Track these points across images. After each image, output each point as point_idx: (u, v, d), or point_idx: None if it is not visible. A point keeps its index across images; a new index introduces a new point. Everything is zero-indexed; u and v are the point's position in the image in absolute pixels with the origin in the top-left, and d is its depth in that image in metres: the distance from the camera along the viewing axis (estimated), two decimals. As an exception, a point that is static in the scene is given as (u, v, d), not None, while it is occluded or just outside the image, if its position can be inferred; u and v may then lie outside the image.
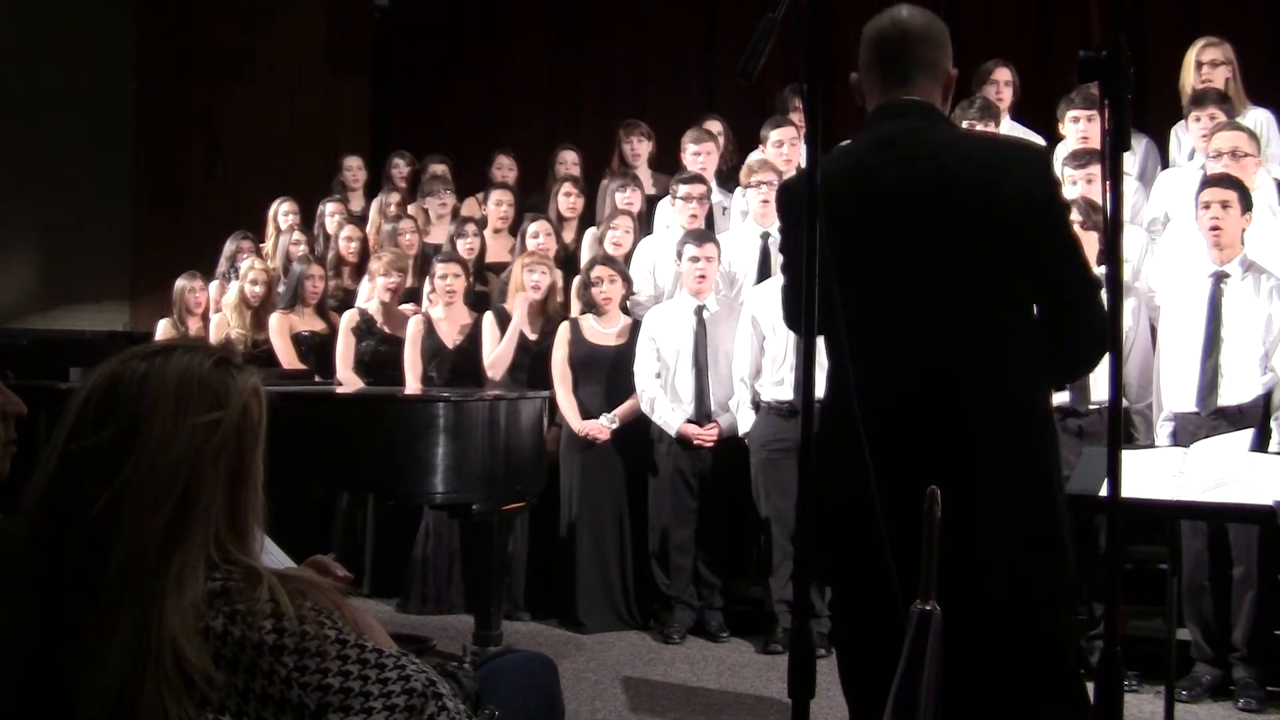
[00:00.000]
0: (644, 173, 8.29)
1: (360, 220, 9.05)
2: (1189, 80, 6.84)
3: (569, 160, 8.75)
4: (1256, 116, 6.77)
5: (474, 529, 5.69)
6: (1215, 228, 5.63)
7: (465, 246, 7.90)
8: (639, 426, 6.85)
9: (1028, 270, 2.78)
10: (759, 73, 2.39)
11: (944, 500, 2.28)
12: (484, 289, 7.89)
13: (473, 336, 7.32)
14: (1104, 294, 2.71)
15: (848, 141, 2.97)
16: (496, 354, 7.09)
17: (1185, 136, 6.80)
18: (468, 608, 6.77)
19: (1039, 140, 6.72)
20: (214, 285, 8.72)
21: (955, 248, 2.77)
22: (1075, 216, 5.57)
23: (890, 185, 2.81)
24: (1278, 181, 6.48)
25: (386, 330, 7.62)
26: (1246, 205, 5.64)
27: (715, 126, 8.18)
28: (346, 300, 8.22)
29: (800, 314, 2.94)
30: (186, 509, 1.89)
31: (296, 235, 8.90)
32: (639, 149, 8.36)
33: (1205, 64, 6.81)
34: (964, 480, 2.65)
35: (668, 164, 8.16)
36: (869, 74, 2.95)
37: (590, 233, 7.84)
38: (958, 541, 2.42)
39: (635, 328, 6.95)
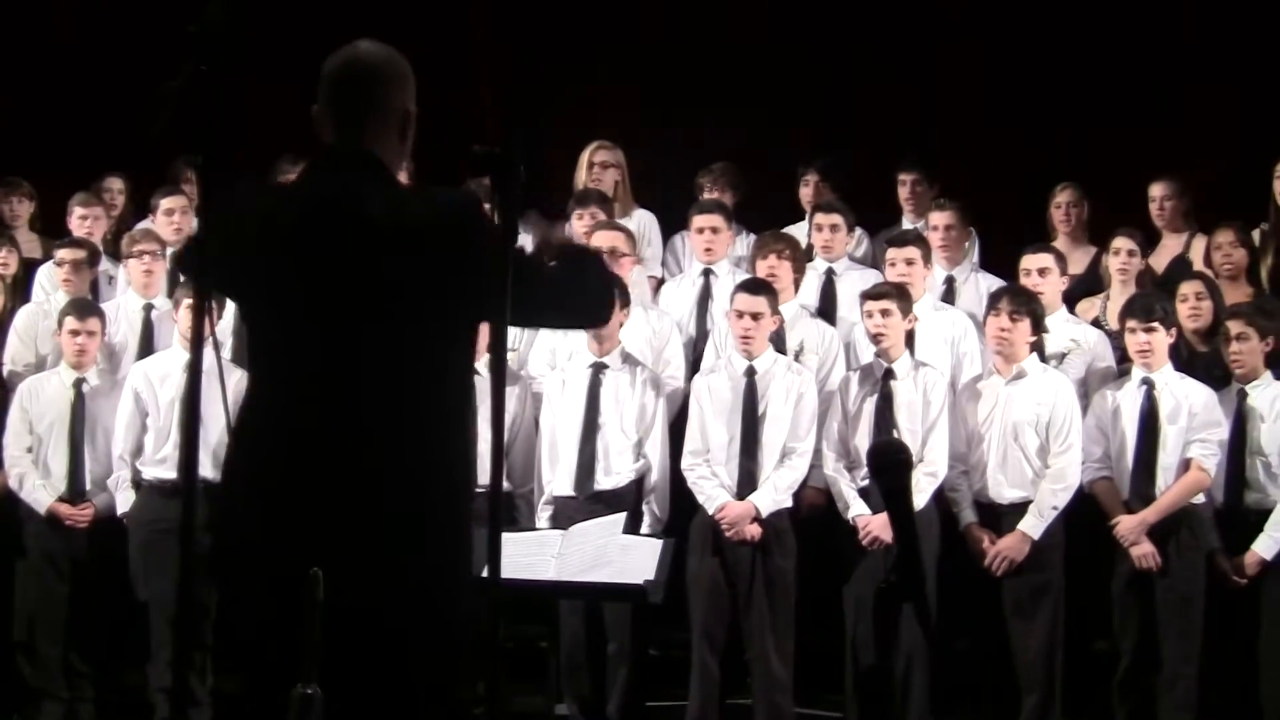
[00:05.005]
0: (25, 235, 7.77)
1: None
2: (581, 179, 7.31)
3: None
4: (640, 218, 7.33)
5: None
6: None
7: None
8: (7, 505, 6.38)
9: (465, 307, 2.80)
10: (158, 139, 2.33)
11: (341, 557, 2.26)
12: None
13: None
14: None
15: (288, 177, 2.93)
16: None
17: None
18: None
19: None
20: None
21: (363, 301, 2.75)
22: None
23: (306, 237, 2.77)
24: (652, 279, 7.03)
25: None
26: (625, 301, 5.98)
27: (116, 184, 7.86)
28: None
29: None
30: None
31: None
32: (18, 210, 7.83)
33: (596, 165, 7.31)
34: (359, 540, 2.62)
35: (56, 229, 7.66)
36: (324, 111, 2.91)
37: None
38: (346, 602, 2.40)
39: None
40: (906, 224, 7.25)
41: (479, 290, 2.74)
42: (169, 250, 6.88)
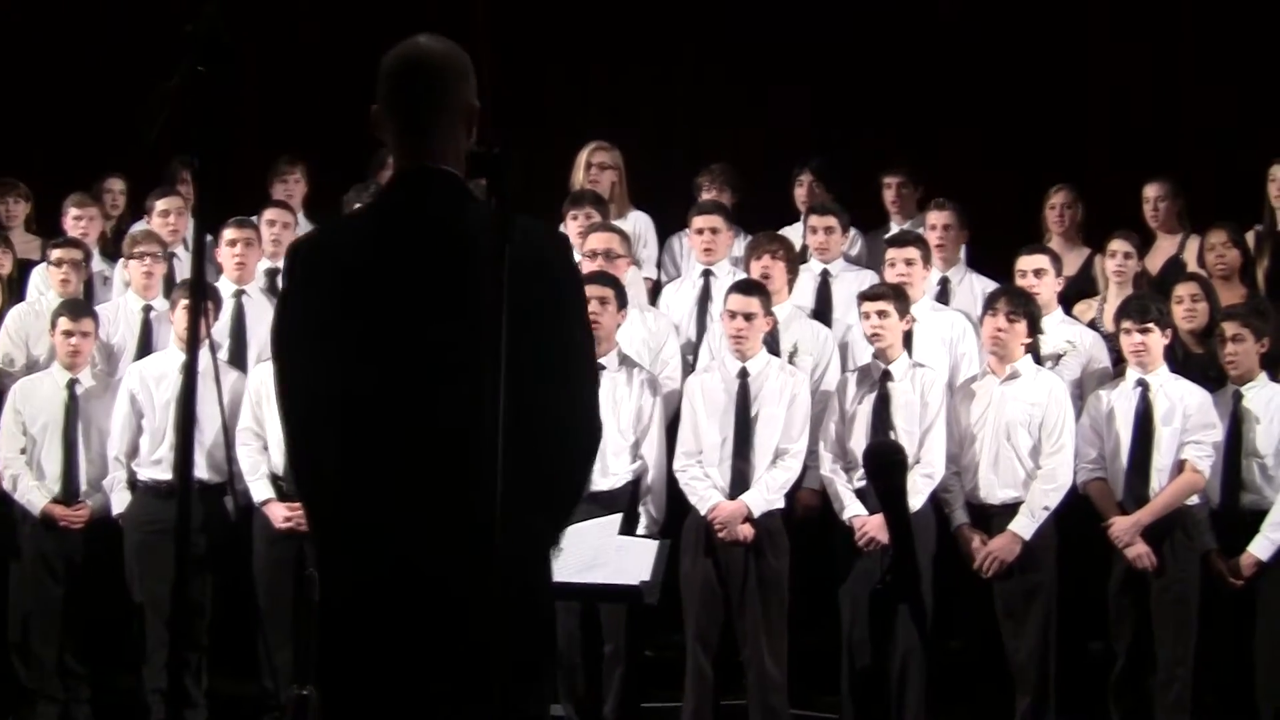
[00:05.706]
0: (19, 235, 7.77)
1: None
2: (579, 179, 7.30)
3: None
4: (636, 219, 7.33)
5: None
6: (594, 322, 5.94)
7: None
8: (1, 506, 6.38)
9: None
10: (155, 140, 2.34)
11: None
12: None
13: None
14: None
15: (367, 202, 2.88)
16: None
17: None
18: None
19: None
20: None
21: (470, 328, 2.69)
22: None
23: (409, 271, 2.74)
24: (648, 280, 7.03)
25: None
26: (622, 303, 6.00)
27: (117, 185, 7.89)
28: None
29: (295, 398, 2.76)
30: None
31: None
32: (14, 210, 7.84)
33: (595, 165, 7.31)
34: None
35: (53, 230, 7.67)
36: (387, 110, 2.83)
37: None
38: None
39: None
40: (895, 226, 7.26)
41: (545, 313, 2.75)
42: (170, 251, 6.93)
